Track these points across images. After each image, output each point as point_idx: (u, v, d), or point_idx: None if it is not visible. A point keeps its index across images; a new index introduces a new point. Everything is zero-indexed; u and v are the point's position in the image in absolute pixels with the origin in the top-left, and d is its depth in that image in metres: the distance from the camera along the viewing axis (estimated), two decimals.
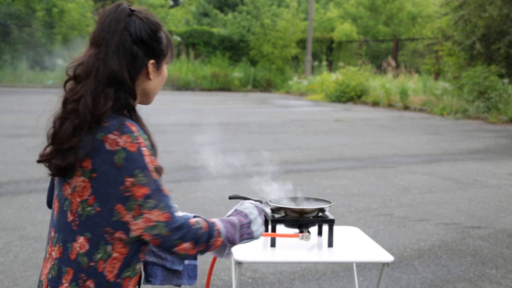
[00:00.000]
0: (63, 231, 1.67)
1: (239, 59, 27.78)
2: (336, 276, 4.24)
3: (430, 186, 7.25)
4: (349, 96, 20.43)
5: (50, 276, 1.68)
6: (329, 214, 2.61)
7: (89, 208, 1.63)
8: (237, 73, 25.51)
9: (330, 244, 2.58)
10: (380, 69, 25.03)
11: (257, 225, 1.80)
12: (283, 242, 2.60)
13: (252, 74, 26.09)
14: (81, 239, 1.64)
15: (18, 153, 8.63)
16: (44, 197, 6.21)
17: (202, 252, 1.68)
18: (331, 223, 2.56)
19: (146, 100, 1.82)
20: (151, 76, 1.74)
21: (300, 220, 2.51)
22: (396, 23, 32.25)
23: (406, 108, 18.38)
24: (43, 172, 7.22)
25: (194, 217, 1.95)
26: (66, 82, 1.71)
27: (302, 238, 2.52)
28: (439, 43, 18.82)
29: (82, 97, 1.62)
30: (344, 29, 29.58)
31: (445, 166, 8.62)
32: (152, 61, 1.72)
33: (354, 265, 3.10)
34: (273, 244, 2.57)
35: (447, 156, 9.57)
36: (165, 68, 1.79)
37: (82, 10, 26.05)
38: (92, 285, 1.64)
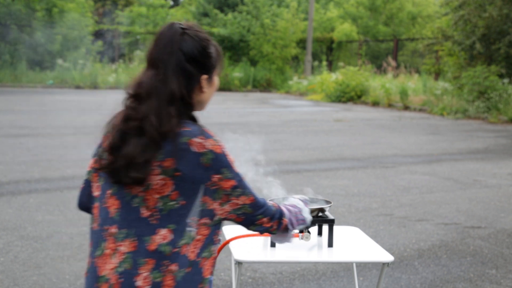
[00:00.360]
0: (136, 226, 1.78)
1: (239, 59, 27.78)
2: (336, 276, 4.24)
3: (430, 186, 7.25)
4: (349, 96, 20.43)
5: (121, 269, 1.77)
6: (329, 214, 2.61)
7: (172, 203, 1.77)
8: (237, 73, 25.51)
9: (330, 244, 2.58)
10: (380, 69, 25.02)
11: (307, 213, 2.07)
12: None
13: (252, 74, 26.09)
14: (163, 231, 1.77)
15: (18, 153, 8.64)
16: (44, 197, 6.22)
17: (275, 229, 1.93)
18: (331, 223, 2.56)
19: (200, 108, 1.95)
20: (205, 90, 1.89)
21: None
22: (396, 23, 32.24)
23: (406, 108, 18.38)
24: (43, 172, 7.20)
25: None
26: (126, 99, 1.85)
27: (302, 238, 2.52)
28: (439, 43, 18.82)
29: (147, 117, 1.76)
30: (344, 29, 29.57)
31: (445, 166, 8.62)
32: (205, 76, 1.87)
33: (354, 265, 3.10)
34: (273, 244, 2.57)
35: (447, 156, 9.57)
36: (216, 79, 1.94)
37: (82, 10, 26.05)
38: (175, 267, 1.77)
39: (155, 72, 1.80)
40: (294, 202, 2.09)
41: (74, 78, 23.80)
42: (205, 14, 29.70)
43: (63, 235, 4.99)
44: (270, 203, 1.94)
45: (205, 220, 1.81)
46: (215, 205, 1.81)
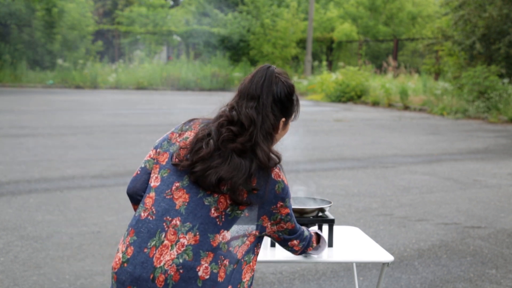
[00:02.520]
0: (202, 223, 1.91)
1: (239, 59, 27.78)
2: (336, 276, 4.24)
3: (430, 186, 7.25)
4: (349, 96, 20.43)
5: (180, 260, 1.86)
6: (329, 214, 2.61)
7: (239, 212, 1.94)
8: (237, 73, 25.49)
9: (330, 244, 2.58)
10: (380, 69, 25.02)
11: (322, 251, 2.44)
12: None
13: None
14: (225, 233, 1.92)
15: (18, 153, 8.64)
16: (44, 197, 6.22)
17: (299, 251, 2.22)
18: (331, 223, 2.56)
19: None
20: (279, 131, 2.09)
21: (300, 220, 2.51)
22: (396, 23, 32.24)
23: (406, 108, 18.38)
24: (43, 172, 7.20)
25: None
26: (221, 121, 2.00)
27: None
28: (439, 43, 18.83)
29: (257, 145, 1.95)
30: (344, 29, 29.57)
31: (445, 166, 8.62)
32: (283, 119, 2.07)
33: (354, 265, 3.10)
34: (273, 244, 2.57)
35: (447, 156, 9.57)
36: (289, 125, 2.15)
37: (82, 10, 26.06)
38: (227, 262, 1.92)
39: (255, 104, 1.99)
40: (322, 244, 2.40)
41: (74, 78, 23.81)
42: (205, 14, 29.70)
43: (63, 235, 4.99)
44: (306, 231, 2.25)
45: (256, 232, 2.00)
46: (268, 224, 2.02)
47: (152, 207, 1.94)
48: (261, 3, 27.99)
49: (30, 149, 8.97)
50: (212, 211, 1.92)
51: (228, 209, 1.94)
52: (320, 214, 2.58)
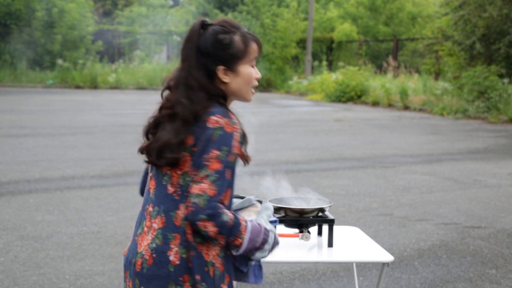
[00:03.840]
0: (164, 203, 1.92)
1: None
2: (336, 276, 4.24)
3: (430, 186, 7.25)
4: (349, 96, 20.43)
5: (153, 245, 1.90)
6: (329, 214, 2.61)
7: (189, 179, 1.88)
8: None
9: (330, 244, 2.58)
10: (380, 69, 25.01)
11: (262, 254, 1.97)
12: (283, 242, 2.59)
13: None
14: (182, 206, 1.89)
15: (18, 153, 8.63)
16: (43, 197, 6.22)
17: (222, 245, 1.89)
18: (331, 223, 2.56)
19: (239, 98, 2.05)
20: (226, 80, 1.96)
21: (300, 220, 2.51)
22: (396, 23, 32.22)
23: (406, 108, 18.38)
24: (43, 172, 7.20)
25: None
26: (162, 91, 2.01)
27: (302, 238, 2.52)
28: (439, 43, 18.81)
29: (179, 101, 1.91)
30: (344, 29, 29.55)
31: (445, 166, 8.62)
32: (221, 67, 1.95)
33: (354, 265, 3.10)
34: None
35: (447, 156, 9.57)
36: (244, 69, 1.97)
37: (82, 10, 26.04)
38: (192, 238, 1.88)
39: (183, 65, 1.96)
40: (271, 234, 1.97)
41: (74, 78, 23.80)
42: (205, 14, 29.68)
43: (63, 235, 4.99)
44: (232, 216, 1.84)
45: None
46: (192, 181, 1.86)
47: (142, 201, 2.06)
48: (261, 3, 27.98)
49: (30, 149, 8.97)
50: (169, 188, 1.91)
51: (181, 180, 1.90)
52: (320, 214, 2.58)
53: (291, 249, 2.55)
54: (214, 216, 1.79)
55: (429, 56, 21.09)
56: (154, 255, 1.89)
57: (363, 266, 4.36)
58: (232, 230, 1.83)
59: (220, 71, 1.95)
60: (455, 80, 17.58)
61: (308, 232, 2.53)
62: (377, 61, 27.27)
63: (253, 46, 1.98)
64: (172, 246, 1.88)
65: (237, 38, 1.96)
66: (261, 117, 14.55)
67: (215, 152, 1.84)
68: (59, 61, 24.38)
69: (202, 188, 1.80)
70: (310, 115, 15.90)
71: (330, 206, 2.59)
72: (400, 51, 27.94)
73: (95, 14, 30.44)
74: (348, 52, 29.34)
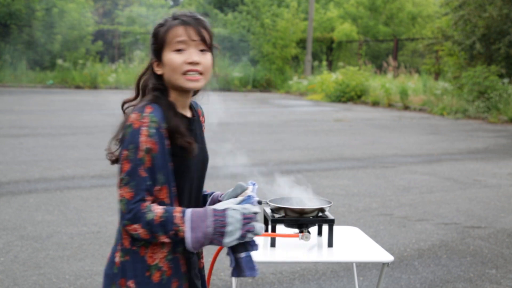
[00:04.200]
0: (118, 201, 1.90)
1: (239, 59, 27.77)
2: (336, 276, 4.24)
3: (430, 186, 7.25)
4: (349, 96, 20.43)
5: (113, 244, 1.92)
6: (329, 214, 2.61)
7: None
8: (237, 73, 25.49)
9: (330, 244, 2.57)
10: (380, 69, 25.01)
11: (231, 238, 1.73)
12: (283, 242, 2.59)
13: (252, 74, 26.07)
14: None
15: (18, 153, 8.63)
16: (43, 197, 6.22)
17: (160, 240, 1.73)
18: (331, 223, 2.56)
19: (177, 88, 1.92)
20: (159, 72, 1.92)
21: (300, 220, 2.51)
22: (396, 23, 32.22)
23: (406, 108, 18.38)
24: (43, 172, 7.19)
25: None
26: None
27: (302, 238, 2.51)
28: (439, 43, 18.82)
29: (126, 102, 1.98)
30: (344, 29, 29.56)
31: (445, 166, 8.61)
32: (153, 61, 1.93)
33: (354, 265, 3.10)
34: (273, 244, 2.57)
35: (447, 156, 9.57)
36: (166, 56, 1.89)
37: (82, 10, 26.03)
38: (127, 243, 1.83)
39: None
40: (228, 219, 1.73)
41: (74, 78, 23.80)
42: (205, 14, 29.68)
43: (63, 235, 4.99)
44: (167, 212, 1.71)
45: None
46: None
47: None
48: (261, 3, 27.97)
49: (30, 149, 8.97)
50: (117, 183, 1.84)
51: (121, 174, 1.80)
52: (320, 214, 2.58)
53: (291, 249, 2.55)
54: (137, 218, 1.70)
55: (429, 56, 21.09)
56: (109, 254, 1.91)
57: (363, 266, 4.36)
58: (165, 225, 1.69)
59: (154, 64, 1.93)
60: (455, 80, 17.58)
61: (308, 232, 2.52)
62: (377, 61, 27.27)
63: (175, 31, 1.86)
64: (118, 247, 1.87)
65: (162, 28, 1.90)
66: (261, 117, 14.54)
67: (124, 153, 1.76)
68: (59, 61, 24.38)
69: (121, 193, 1.74)
70: (310, 115, 15.90)
71: (330, 206, 2.58)
72: (400, 51, 27.94)
73: (95, 14, 30.42)
74: (348, 52, 29.34)
